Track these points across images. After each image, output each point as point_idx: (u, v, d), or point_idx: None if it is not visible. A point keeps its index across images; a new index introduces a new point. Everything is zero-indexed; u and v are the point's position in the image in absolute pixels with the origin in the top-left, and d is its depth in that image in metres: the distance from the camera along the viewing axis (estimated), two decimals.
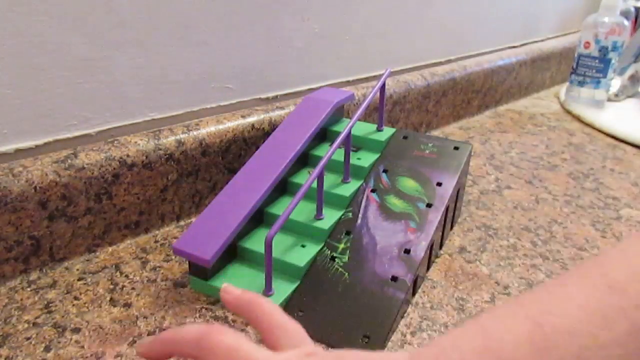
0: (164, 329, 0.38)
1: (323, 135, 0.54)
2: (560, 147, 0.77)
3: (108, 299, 0.42)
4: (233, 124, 0.54)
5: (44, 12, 0.42)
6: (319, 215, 0.45)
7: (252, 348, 0.26)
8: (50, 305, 0.41)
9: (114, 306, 0.41)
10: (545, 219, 0.56)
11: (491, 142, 0.77)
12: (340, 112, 0.56)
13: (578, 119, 0.90)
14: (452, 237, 0.52)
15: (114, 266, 0.46)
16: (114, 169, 0.46)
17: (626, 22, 0.88)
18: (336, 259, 0.43)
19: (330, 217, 0.46)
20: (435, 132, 0.82)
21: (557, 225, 0.55)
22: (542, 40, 1.12)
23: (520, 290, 0.44)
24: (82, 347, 0.37)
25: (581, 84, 0.93)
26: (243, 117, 0.56)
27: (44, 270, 0.44)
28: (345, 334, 0.38)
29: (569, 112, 0.93)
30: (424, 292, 0.44)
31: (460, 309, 0.42)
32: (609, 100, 0.95)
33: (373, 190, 0.48)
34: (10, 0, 0.40)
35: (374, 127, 0.55)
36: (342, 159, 0.49)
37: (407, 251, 0.43)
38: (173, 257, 0.47)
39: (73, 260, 0.46)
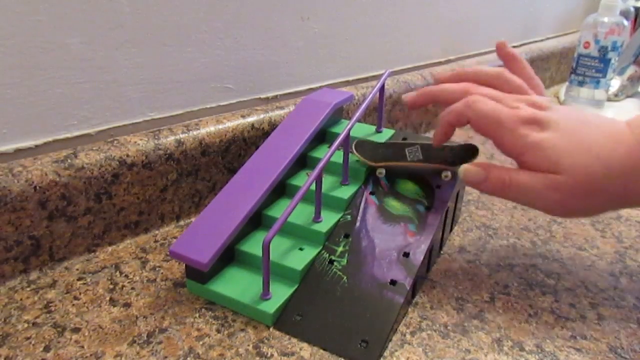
0: (163, 329, 0.38)
1: (322, 136, 0.54)
2: None
3: (108, 298, 0.42)
4: (233, 123, 0.54)
5: (44, 12, 0.42)
6: (317, 218, 0.45)
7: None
8: (50, 305, 0.41)
9: (114, 306, 0.41)
10: (545, 219, 0.56)
11: (491, 142, 0.77)
12: (339, 113, 0.56)
13: None
14: (452, 237, 0.52)
15: (113, 266, 0.46)
16: (114, 168, 0.46)
17: (626, 22, 0.88)
18: (334, 262, 0.43)
19: (328, 219, 0.46)
20: None
21: (557, 225, 0.55)
22: (542, 40, 1.12)
23: (520, 290, 0.44)
24: (82, 347, 0.37)
25: (581, 83, 0.93)
26: (243, 117, 0.56)
27: (44, 270, 0.45)
28: (343, 338, 0.38)
29: None
30: (423, 292, 0.44)
31: (460, 309, 0.42)
32: (609, 100, 0.95)
33: (372, 193, 0.48)
34: (10, 0, 0.40)
35: (373, 128, 0.55)
36: (341, 160, 0.49)
37: (407, 255, 0.42)
38: None
39: (73, 260, 0.46)
